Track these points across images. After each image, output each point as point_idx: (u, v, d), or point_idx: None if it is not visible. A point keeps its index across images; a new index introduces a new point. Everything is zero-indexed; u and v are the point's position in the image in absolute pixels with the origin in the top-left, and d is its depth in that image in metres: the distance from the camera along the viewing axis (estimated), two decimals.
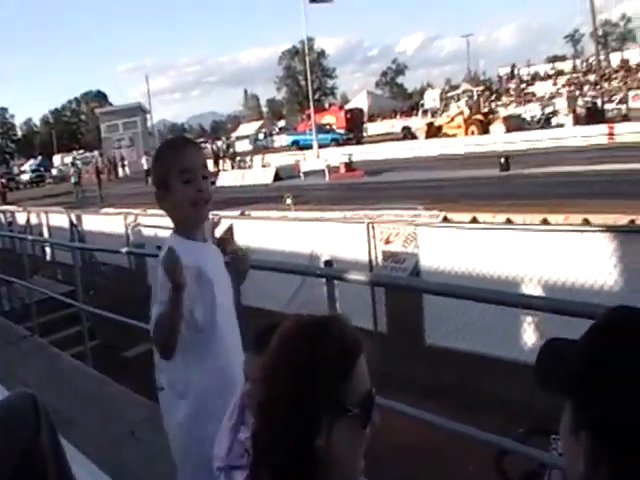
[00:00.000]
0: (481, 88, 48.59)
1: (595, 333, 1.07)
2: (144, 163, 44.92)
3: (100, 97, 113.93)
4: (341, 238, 9.27)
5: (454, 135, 40.90)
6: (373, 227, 9.10)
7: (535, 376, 1.11)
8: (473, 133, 39.92)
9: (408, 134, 47.47)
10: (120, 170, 58.41)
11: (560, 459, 2.41)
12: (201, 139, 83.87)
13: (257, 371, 1.35)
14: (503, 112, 48.11)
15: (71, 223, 16.67)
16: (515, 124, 39.05)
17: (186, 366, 2.38)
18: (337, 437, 1.19)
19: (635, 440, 0.98)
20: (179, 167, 2.38)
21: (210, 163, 31.42)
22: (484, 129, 39.80)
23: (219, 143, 56.15)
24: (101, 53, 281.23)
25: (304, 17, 40.40)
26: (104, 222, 15.69)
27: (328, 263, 4.42)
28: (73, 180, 40.80)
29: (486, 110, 44.27)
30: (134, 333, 7.05)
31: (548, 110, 41.32)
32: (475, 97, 43.97)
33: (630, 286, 6.18)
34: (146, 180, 41.74)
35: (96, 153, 69.64)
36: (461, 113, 42.63)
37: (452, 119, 43.05)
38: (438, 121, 44.67)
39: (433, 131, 43.50)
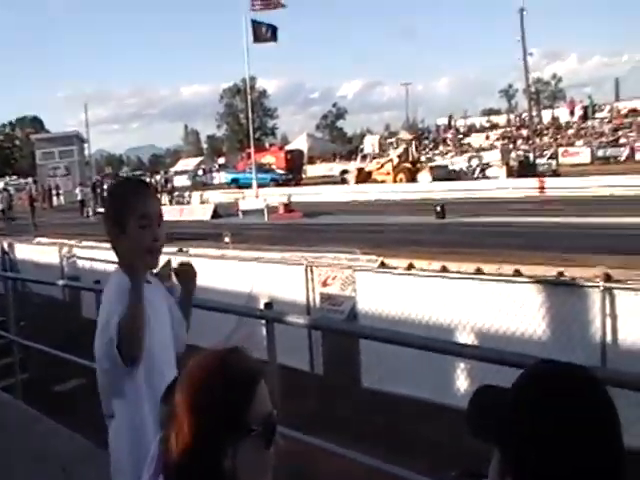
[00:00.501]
0: (410, 137, 49.88)
1: (523, 384, 1.18)
2: (79, 193, 44.14)
3: (36, 123, 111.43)
4: (280, 279, 9.33)
5: (383, 181, 42.44)
6: (312, 269, 9.21)
7: (466, 422, 1.19)
8: (401, 180, 41.44)
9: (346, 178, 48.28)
10: (55, 199, 57.11)
11: None
12: (139, 172, 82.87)
13: (165, 411, 1.45)
14: (440, 161, 49.39)
15: (3, 251, 16.25)
16: (441, 174, 40.65)
17: (125, 396, 2.44)
18: (242, 457, 1.29)
19: None
20: (139, 212, 2.46)
21: None
22: (412, 177, 41.33)
23: (157, 177, 55.60)
24: (38, 78, 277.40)
25: (246, 56, 40.71)
26: (38, 252, 15.34)
27: (268, 305, 4.50)
28: (1, 207, 39.58)
29: (414, 159, 45.60)
30: (67, 367, 6.92)
31: (474, 162, 42.73)
32: (406, 146, 45.25)
33: (557, 336, 6.44)
34: (81, 211, 41.04)
35: (30, 180, 67.94)
36: (390, 160, 44.16)
37: (382, 165, 44.53)
38: (368, 167, 45.92)
39: (363, 176, 44.78)
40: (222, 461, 1.28)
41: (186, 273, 2.80)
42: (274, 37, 39.50)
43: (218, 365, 1.34)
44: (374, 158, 47.77)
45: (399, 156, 43.88)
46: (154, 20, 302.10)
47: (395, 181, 41.52)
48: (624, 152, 44.80)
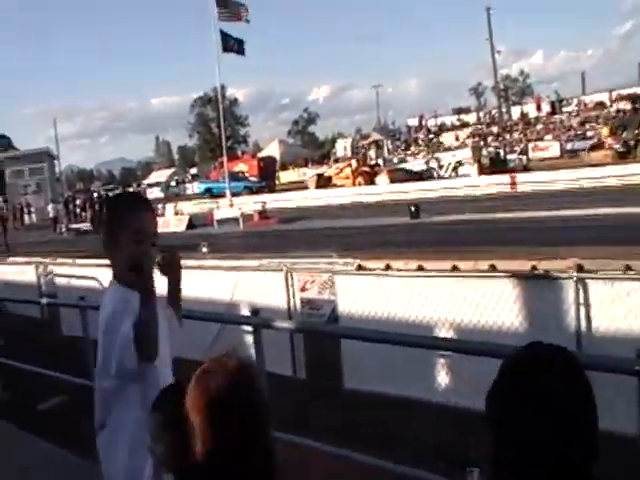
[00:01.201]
0: (371, 140, 50.78)
1: (506, 365, 1.25)
2: (50, 210, 43.76)
3: (4, 141, 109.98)
4: (259, 286, 9.34)
5: (342, 185, 43.06)
6: (292, 275, 9.24)
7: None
8: (360, 184, 41.90)
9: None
10: (27, 217, 56.52)
11: None
12: (110, 186, 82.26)
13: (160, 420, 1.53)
14: (412, 162, 49.60)
15: None
16: (399, 176, 40.85)
17: (125, 405, 2.47)
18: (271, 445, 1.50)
19: (532, 467, 1.15)
20: (134, 228, 2.50)
21: None
22: (371, 180, 41.84)
23: (130, 190, 55.22)
24: (5, 96, 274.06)
25: (218, 65, 40.50)
26: (13, 272, 15.19)
27: (255, 312, 4.54)
28: None
29: (373, 162, 46.20)
30: (48, 384, 6.90)
31: (433, 164, 43.01)
32: (365, 150, 46.00)
33: (533, 327, 6.55)
34: (54, 228, 40.65)
35: (0, 199, 67.15)
36: (349, 165, 45.19)
37: (341, 170, 45.40)
38: (328, 172, 46.43)
39: (323, 181, 45.29)
40: (258, 455, 1.42)
41: (170, 262, 2.81)
42: (241, 50, 39.33)
43: (238, 370, 1.44)
44: (332, 162, 48.46)
45: (357, 160, 44.48)
46: (119, 32, 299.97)
47: (354, 185, 42.08)
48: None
